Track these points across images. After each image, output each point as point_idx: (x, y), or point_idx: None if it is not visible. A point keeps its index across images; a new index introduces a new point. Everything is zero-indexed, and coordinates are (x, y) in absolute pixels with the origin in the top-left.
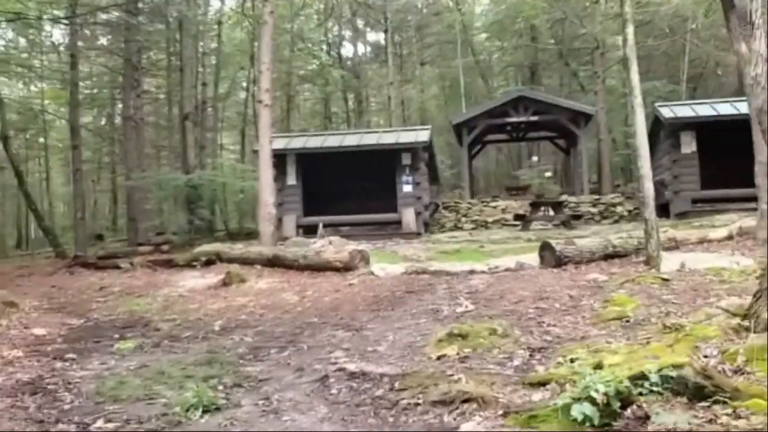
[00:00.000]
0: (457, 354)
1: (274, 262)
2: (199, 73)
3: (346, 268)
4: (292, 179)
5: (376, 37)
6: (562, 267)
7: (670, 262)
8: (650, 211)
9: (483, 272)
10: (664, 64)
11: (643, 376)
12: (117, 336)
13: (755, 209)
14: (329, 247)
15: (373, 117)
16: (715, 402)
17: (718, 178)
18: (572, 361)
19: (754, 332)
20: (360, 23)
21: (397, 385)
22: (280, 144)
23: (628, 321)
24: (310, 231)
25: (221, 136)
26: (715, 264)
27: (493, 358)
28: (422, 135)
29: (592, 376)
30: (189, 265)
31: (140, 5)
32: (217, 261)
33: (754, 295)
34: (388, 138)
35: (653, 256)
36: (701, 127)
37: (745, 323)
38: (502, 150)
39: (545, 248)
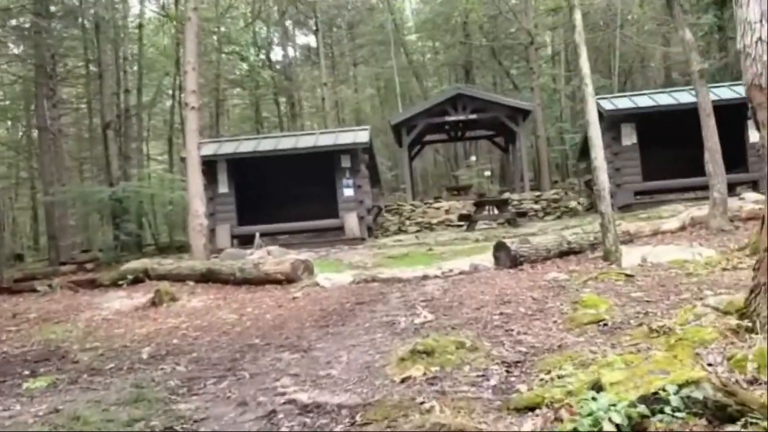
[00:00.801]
0: (424, 375)
1: (208, 277)
2: (121, 80)
3: (288, 280)
4: (224, 187)
5: (306, 39)
6: (518, 267)
7: (629, 257)
8: (606, 204)
9: (437, 277)
10: (594, 59)
11: (657, 398)
12: (27, 372)
13: (697, 199)
14: (268, 258)
15: (306, 121)
16: (745, 424)
17: (659, 169)
18: (560, 377)
19: (758, 333)
20: (289, 24)
21: (359, 418)
22: (209, 150)
23: (605, 325)
24: (246, 241)
25: (147, 146)
26: (676, 256)
27: (465, 377)
28: (361, 135)
29: (598, 402)
30: (115, 284)
31: (52, 8)
32: (145, 279)
33: (751, 291)
34: (326, 140)
35: (611, 250)
36: (641, 119)
37: (745, 323)
38: (439, 151)
39: (500, 248)
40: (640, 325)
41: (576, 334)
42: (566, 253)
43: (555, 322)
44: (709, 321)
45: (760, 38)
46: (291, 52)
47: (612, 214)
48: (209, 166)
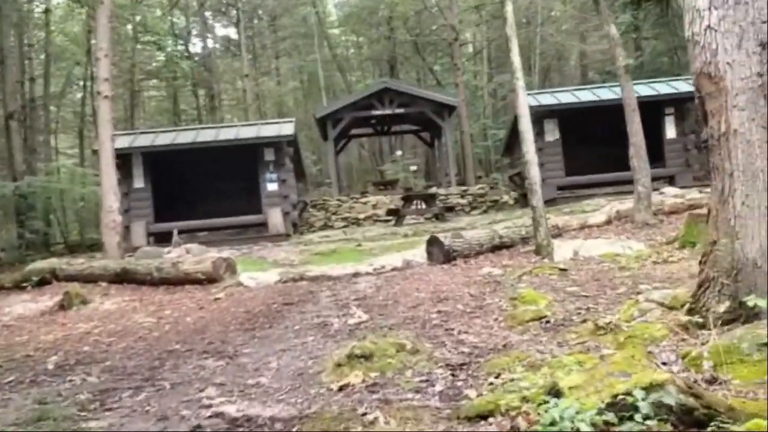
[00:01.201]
0: (364, 381)
1: (122, 278)
2: (26, 68)
3: (209, 279)
4: (139, 181)
5: (226, 31)
6: (451, 262)
7: (561, 250)
8: (538, 198)
9: (368, 274)
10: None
11: (624, 404)
12: None
13: (617, 193)
14: (187, 256)
15: (226, 114)
16: (715, 429)
17: (580, 165)
18: (511, 381)
19: (710, 329)
20: (209, 14)
21: None
22: (124, 142)
23: (548, 322)
24: (163, 239)
25: (56, 139)
26: (607, 250)
27: (408, 383)
28: (286, 128)
29: (560, 409)
30: (18, 286)
31: None
32: (53, 280)
33: (699, 285)
34: (249, 132)
35: (543, 244)
36: (563, 115)
37: (695, 318)
38: (364, 146)
39: (433, 243)
40: (584, 321)
41: (519, 332)
42: (498, 247)
43: (496, 319)
44: (655, 317)
45: (708, 26)
46: (210, 43)
47: (543, 208)
48: (124, 159)
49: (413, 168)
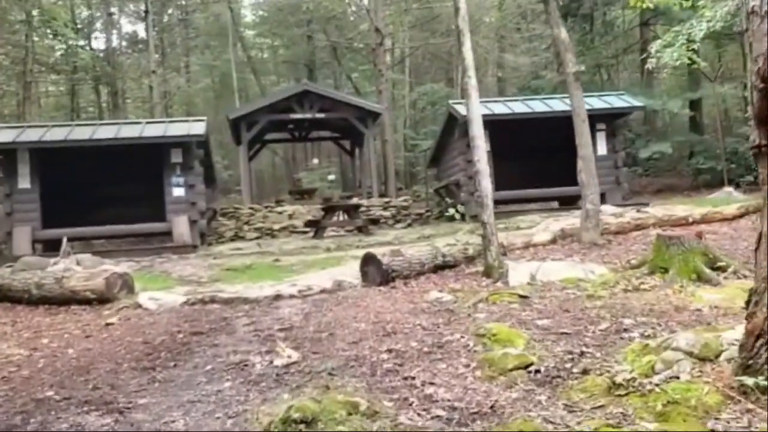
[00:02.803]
0: None
1: None
2: None
3: (101, 299)
4: (25, 181)
5: (132, 27)
6: (390, 284)
7: (515, 273)
8: (489, 213)
9: (293, 297)
10: (435, 68)
11: None
12: None
13: (553, 209)
14: (76, 269)
15: (131, 113)
16: None
17: (510, 178)
18: None
19: None
20: (114, 9)
21: None
22: (8, 136)
23: (537, 371)
24: (52, 248)
25: None
26: (567, 274)
27: None
28: (196, 127)
29: None
30: None
31: None
32: None
33: (751, 333)
34: (154, 130)
35: (494, 266)
36: (494, 126)
37: (759, 381)
38: (278, 152)
39: (369, 262)
40: (585, 372)
41: (504, 386)
42: (441, 267)
43: (467, 365)
44: (688, 371)
45: None
46: (115, 38)
47: (494, 224)
48: (7, 155)
49: (331, 177)
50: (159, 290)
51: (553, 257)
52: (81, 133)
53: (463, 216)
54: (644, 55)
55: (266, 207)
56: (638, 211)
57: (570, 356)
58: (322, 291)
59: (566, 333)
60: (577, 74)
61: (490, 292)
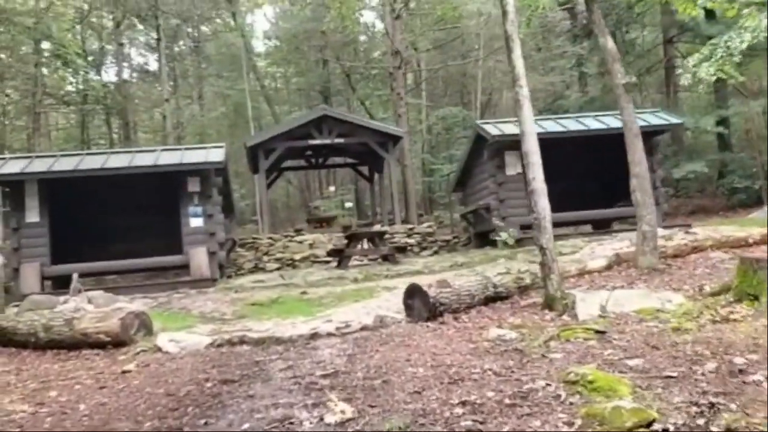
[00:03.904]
0: None
1: None
2: None
3: (116, 342)
4: (33, 215)
5: (143, 59)
6: (438, 319)
7: (582, 304)
8: (548, 238)
9: (331, 335)
10: (449, 91)
11: None
12: None
13: (587, 233)
14: (88, 308)
15: (143, 145)
16: None
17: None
18: None
19: None
20: (125, 40)
21: None
22: (15, 167)
23: (665, 431)
24: (62, 284)
25: None
26: (642, 305)
27: None
28: (214, 154)
29: None
30: None
31: None
32: None
33: None
34: (170, 157)
35: (556, 297)
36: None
37: None
38: (292, 181)
39: (413, 294)
40: None
41: None
42: (492, 299)
43: (569, 423)
44: None
45: None
46: (126, 70)
47: (554, 249)
48: (14, 188)
49: (348, 204)
50: (180, 330)
51: (613, 285)
52: (92, 162)
53: (493, 243)
54: (677, 72)
55: (285, 236)
56: (686, 233)
57: (697, 409)
58: (363, 328)
59: (671, 377)
60: (627, 86)
61: (559, 328)
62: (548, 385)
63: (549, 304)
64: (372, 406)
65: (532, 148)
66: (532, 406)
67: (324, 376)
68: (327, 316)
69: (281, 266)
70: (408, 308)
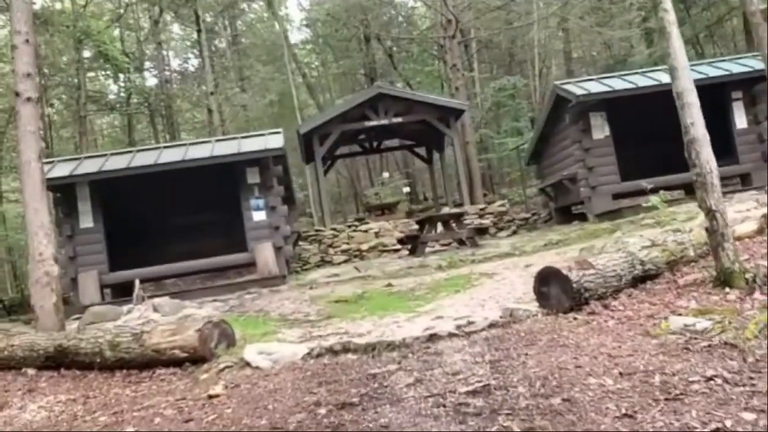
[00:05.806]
0: None
1: (58, 361)
2: None
3: (194, 359)
4: (87, 219)
5: (183, 62)
6: (583, 308)
7: None
8: (717, 197)
9: (453, 335)
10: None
11: None
12: None
13: (679, 199)
14: (155, 317)
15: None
16: None
17: (635, 166)
18: None
19: None
20: (163, 37)
21: None
22: (64, 170)
23: None
24: (122, 292)
25: None
26: None
27: None
28: (273, 141)
29: None
30: None
31: None
32: None
33: None
34: (226, 147)
35: (734, 269)
36: (611, 107)
37: None
38: (341, 171)
39: (548, 279)
40: None
41: None
42: (640, 279)
43: None
44: None
45: None
46: (166, 71)
47: (725, 210)
48: (65, 191)
49: (406, 189)
50: (263, 337)
51: None
52: (144, 158)
53: (581, 216)
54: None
55: (349, 226)
56: None
57: None
58: (491, 325)
59: None
60: (764, 12)
61: (744, 313)
62: None
63: (725, 280)
64: None
65: (687, 85)
66: None
67: (472, 394)
68: (431, 312)
69: (349, 258)
70: (542, 297)
